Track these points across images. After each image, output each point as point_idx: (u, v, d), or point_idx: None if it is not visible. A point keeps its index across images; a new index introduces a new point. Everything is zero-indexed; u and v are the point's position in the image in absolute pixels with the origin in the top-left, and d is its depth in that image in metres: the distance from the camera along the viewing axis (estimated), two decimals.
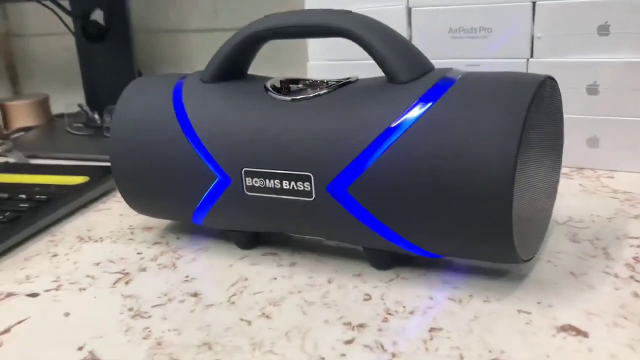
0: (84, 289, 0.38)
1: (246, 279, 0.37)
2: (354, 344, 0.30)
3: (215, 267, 0.39)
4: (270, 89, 0.37)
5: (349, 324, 0.32)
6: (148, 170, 0.39)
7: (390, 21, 0.54)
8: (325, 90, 0.35)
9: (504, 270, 0.36)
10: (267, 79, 0.40)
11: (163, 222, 0.47)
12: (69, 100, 0.82)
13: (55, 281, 0.39)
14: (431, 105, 0.31)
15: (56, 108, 0.86)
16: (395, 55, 0.34)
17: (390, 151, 0.31)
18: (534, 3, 0.50)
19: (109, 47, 0.76)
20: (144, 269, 0.40)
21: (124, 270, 0.40)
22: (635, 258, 0.36)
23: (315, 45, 0.60)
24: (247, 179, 0.36)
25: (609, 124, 0.50)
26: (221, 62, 0.38)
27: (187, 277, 0.38)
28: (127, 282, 0.38)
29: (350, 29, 0.34)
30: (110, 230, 0.47)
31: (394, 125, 0.32)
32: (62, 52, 0.92)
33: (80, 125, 0.76)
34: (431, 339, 0.30)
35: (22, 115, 0.84)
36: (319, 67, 0.60)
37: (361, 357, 0.29)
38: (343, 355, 0.29)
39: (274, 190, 0.35)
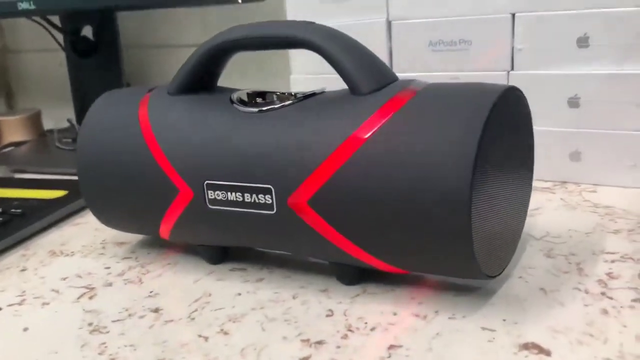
0: (47, 304, 0.37)
1: (210, 295, 0.37)
2: None
3: (180, 283, 0.38)
4: (236, 101, 0.37)
5: (307, 340, 0.31)
6: (114, 183, 0.39)
7: (371, 34, 0.55)
8: (289, 102, 0.35)
9: (474, 287, 0.35)
10: (235, 91, 0.39)
11: (136, 237, 0.47)
12: (60, 115, 0.82)
13: (20, 296, 0.39)
14: (390, 117, 0.31)
15: (49, 123, 0.87)
16: (356, 66, 0.33)
17: (349, 163, 0.31)
18: (513, 15, 0.50)
19: (98, 63, 0.76)
20: (109, 284, 0.39)
21: (89, 285, 0.39)
22: (608, 274, 0.35)
23: (297, 59, 0.60)
24: (209, 192, 0.35)
25: (592, 137, 0.49)
26: (186, 74, 0.38)
27: (151, 292, 0.38)
28: (90, 297, 0.38)
29: (312, 40, 0.34)
30: (82, 244, 0.46)
31: (352, 136, 0.31)
32: (57, 67, 0.92)
33: (69, 140, 0.76)
34: (389, 356, 0.29)
35: (14, 130, 0.84)
36: (301, 80, 0.60)
37: None
38: None
39: (236, 203, 0.34)
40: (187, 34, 0.79)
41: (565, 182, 0.52)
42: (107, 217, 0.41)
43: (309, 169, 0.32)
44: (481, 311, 0.32)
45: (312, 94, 0.36)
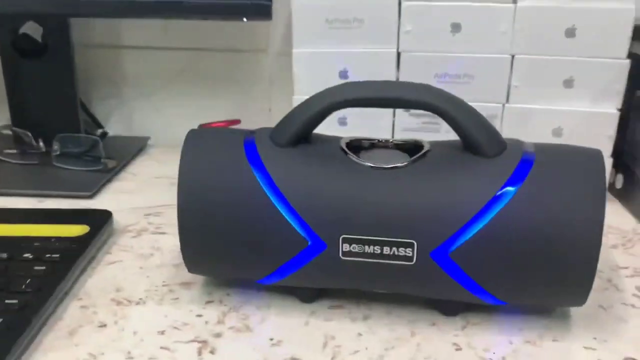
0: None
1: (333, 337, 0.39)
2: None
3: (293, 327, 0.40)
4: (352, 154, 0.39)
5: None
6: (223, 231, 0.38)
7: (380, 63, 0.59)
8: (411, 160, 0.38)
9: (549, 310, 0.42)
10: (336, 140, 0.41)
11: (198, 277, 0.46)
12: None
13: (130, 358, 0.37)
14: (522, 182, 0.36)
15: None
16: (480, 132, 0.38)
17: (491, 223, 0.35)
18: (513, 56, 0.57)
19: (44, 65, 0.68)
20: (218, 335, 0.39)
21: (197, 337, 0.39)
22: (637, 287, 0.45)
23: (301, 81, 0.61)
24: (344, 245, 0.37)
25: None
26: (302, 127, 0.39)
27: (271, 340, 0.39)
28: (211, 352, 0.37)
29: (437, 104, 0.38)
30: (143, 289, 0.44)
31: (492, 199, 0.36)
32: None
33: (14, 152, 0.68)
34: None
35: None
36: None
37: None
38: None
39: (372, 255, 0.37)
40: (146, 35, 0.74)
41: None
42: (202, 263, 0.41)
43: (454, 227, 0.36)
44: (572, 332, 0.40)
45: (427, 150, 0.39)
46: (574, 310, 0.42)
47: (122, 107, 0.78)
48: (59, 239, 0.47)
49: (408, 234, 0.36)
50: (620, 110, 0.57)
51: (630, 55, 0.55)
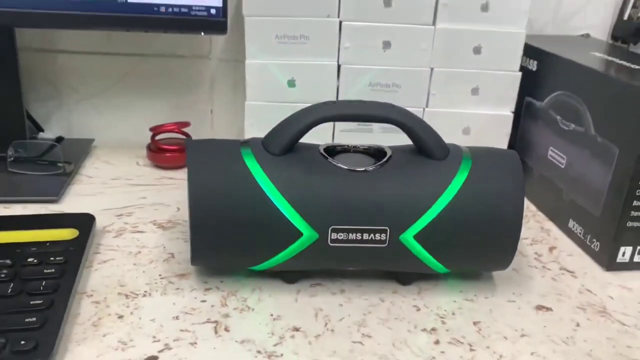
0: (194, 344, 0.43)
1: (321, 309, 0.48)
2: (440, 344, 0.45)
3: (286, 304, 0.48)
4: (331, 158, 0.48)
5: (425, 330, 0.46)
6: (230, 229, 0.46)
7: (324, 74, 0.68)
8: (379, 163, 0.48)
9: (477, 275, 0.54)
10: (315, 147, 0.49)
11: (190, 268, 0.52)
12: None
13: (157, 341, 0.43)
14: (465, 178, 0.47)
15: None
16: (432, 141, 0.48)
17: (444, 210, 0.46)
18: (432, 69, 0.69)
19: None
20: (226, 315, 0.46)
21: (209, 319, 0.46)
22: (535, 252, 0.59)
23: (254, 86, 0.68)
24: (332, 234, 0.46)
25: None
26: (293, 139, 0.47)
27: (272, 315, 0.47)
28: (226, 329, 0.45)
29: (401, 120, 0.47)
30: (144, 282, 0.50)
31: (444, 192, 0.46)
32: None
33: None
34: (480, 330, 0.47)
35: None
36: (256, 107, 0.69)
37: (452, 351, 0.44)
38: (442, 352, 0.44)
39: (355, 240, 0.46)
40: (89, 41, 0.76)
41: None
42: (209, 258, 0.48)
43: (418, 215, 0.46)
44: (498, 289, 0.52)
45: (390, 156, 0.49)
46: (496, 274, 0.55)
47: (61, 109, 0.79)
48: (53, 243, 0.51)
49: (382, 222, 0.46)
50: (514, 112, 0.71)
51: (521, 68, 0.69)
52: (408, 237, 0.47)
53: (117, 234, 0.58)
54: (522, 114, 0.73)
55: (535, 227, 0.65)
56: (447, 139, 0.72)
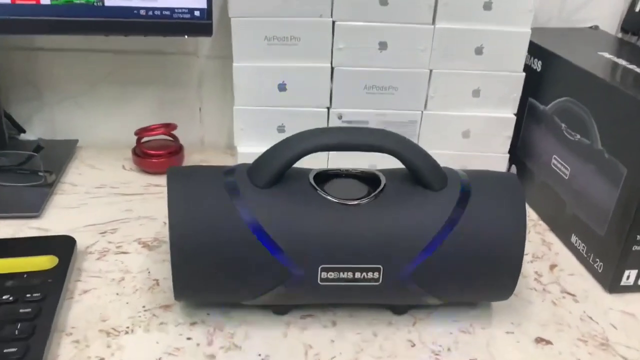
0: None
1: (311, 347, 0.46)
2: None
3: (274, 341, 0.46)
4: (321, 190, 0.45)
5: None
6: (213, 267, 0.43)
7: (317, 77, 0.64)
8: (373, 195, 0.45)
9: (481, 304, 0.52)
10: (304, 174, 0.46)
11: (173, 300, 0.50)
12: None
13: None
14: (464, 211, 0.44)
15: None
16: (429, 171, 0.45)
17: (442, 246, 0.44)
18: (430, 71, 0.65)
19: None
20: (212, 356, 0.45)
21: None
22: (536, 272, 0.57)
23: (241, 90, 0.65)
24: (322, 273, 0.44)
25: (476, 157, 0.70)
26: (278, 172, 0.44)
27: (260, 355, 0.45)
28: None
29: (398, 150, 0.44)
30: (127, 316, 0.48)
31: (444, 226, 0.44)
32: None
33: None
34: None
35: None
36: (245, 112, 0.66)
37: None
38: None
39: (346, 279, 0.44)
40: (71, 38, 0.72)
41: None
42: (190, 294, 0.45)
43: (414, 253, 0.44)
44: (494, 319, 0.50)
45: (384, 187, 0.46)
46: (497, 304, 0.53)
47: (43, 109, 0.76)
48: (31, 274, 0.49)
49: (375, 261, 0.44)
50: (516, 114, 0.68)
51: (525, 67, 0.66)
52: (403, 275, 0.44)
53: (100, 255, 0.55)
54: (525, 116, 0.69)
55: (536, 239, 0.62)
56: (446, 142, 0.70)
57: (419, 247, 0.44)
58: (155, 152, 0.70)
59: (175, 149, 0.71)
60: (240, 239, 0.43)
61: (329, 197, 0.45)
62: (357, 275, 0.44)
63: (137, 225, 0.60)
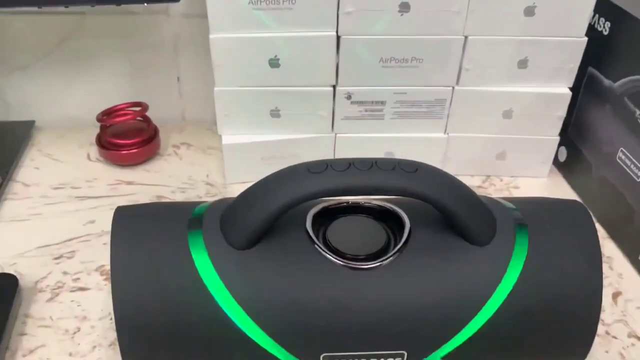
0: None
1: None
2: None
3: None
4: (322, 244, 0.33)
5: None
6: (178, 354, 0.32)
7: (318, 49, 0.50)
8: (395, 251, 0.33)
9: None
10: (300, 219, 0.34)
11: None
12: None
13: None
14: (523, 266, 0.32)
15: None
16: (472, 218, 0.33)
17: (493, 319, 0.32)
18: (466, 37, 0.50)
19: None
20: None
21: None
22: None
23: (222, 71, 0.51)
24: None
25: (516, 141, 0.56)
26: (262, 228, 0.32)
27: None
28: None
29: (427, 194, 0.31)
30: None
31: (494, 294, 0.32)
32: None
33: None
34: None
35: None
36: (227, 93, 0.52)
37: None
38: None
39: None
40: None
41: (489, 176, 0.59)
42: None
43: (449, 335, 0.32)
44: None
45: (408, 237, 0.33)
46: None
47: None
48: None
49: (397, 345, 0.32)
50: (571, 88, 0.54)
51: (588, 30, 0.51)
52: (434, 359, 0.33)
53: (52, 294, 0.45)
54: (582, 89, 0.55)
55: None
56: (482, 125, 0.56)
57: (460, 326, 0.32)
58: (124, 141, 0.57)
59: (149, 134, 0.59)
60: (208, 318, 0.31)
61: (331, 257, 0.32)
62: None
63: (100, 244, 0.49)
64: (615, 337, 0.43)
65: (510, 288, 0.32)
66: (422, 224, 0.34)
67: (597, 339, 0.42)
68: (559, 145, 0.58)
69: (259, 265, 0.32)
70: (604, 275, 0.47)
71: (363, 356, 0.32)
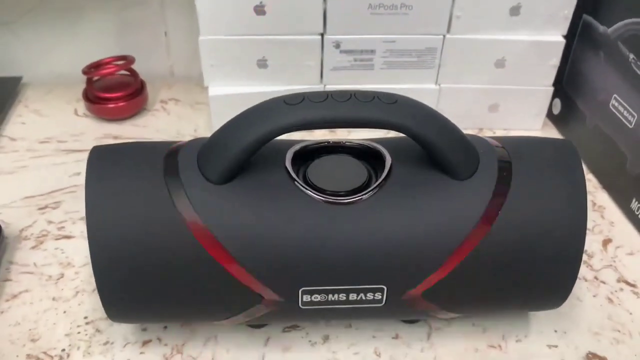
0: None
1: None
2: None
3: None
4: (301, 181, 0.32)
5: None
6: (156, 288, 0.32)
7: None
8: (375, 186, 0.32)
9: None
10: (279, 155, 0.33)
11: None
12: None
13: None
14: (504, 202, 0.32)
15: None
16: (454, 153, 0.32)
17: (473, 254, 0.31)
18: None
19: None
20: None
21: None
22: (585, 251, 0.45)
23: (206, 20, 0.50)
24: (304, 296, 0.32)
25: (509, 92, 0.55)
26: (239, 161, 0.31)
27: None
28: None
29: (408, 126, 0.31)
30: (64, 332, 0.38)
31: (475, 228, 0.31)
32: None
33: None
34: None
35: None
36: (212, 42, 0.51)
37: None
38: None
39: (337, 302, 0.32)
40: None
41: (482, 129, 0.58)
42: (129, 318, 0.34)
43: (430, 268, 0.31)
44: (533, 327, 0.39)
45: (389, 172, 0.33)
46: None
47: None
48: None
49: (377, 280, 0.32)
50: (565, 37, 0.53)
51: None
52: (415, 295, 0.33)
53: (36, 242, 0.44)
54: (577, 38, 0.54)
55: None
56: (474, 74, 0.55)
57: (440, 260, 0.31)
58: (111, 94, 0.56)
59: (136, 88, 0.58)
60: (185, 253, 0.31)
61: (311, 192, 0.32)
62: (352, 297, 0.32)
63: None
64: (603, 282, 0.42)
65: (491, 224, 0.31)
66: (403, 161, 0.34)
67: (585, 284, 0.42)
68: (553, 97, 0.57)
69: (237, 199, 0.31)
70: (595, 224, 0.47)
71: (342, 290, 0.32)
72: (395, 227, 0.31)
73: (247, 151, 0.31)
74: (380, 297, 0.32)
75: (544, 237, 0.32)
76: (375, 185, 0.32)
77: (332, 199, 0.32)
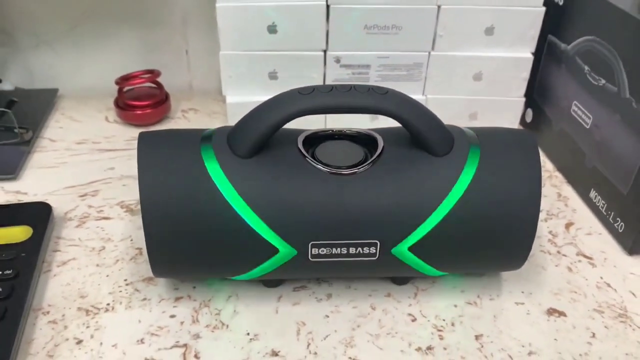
0: None
1: (304, 324, 0.43)
2: None
3: (265, 317, 0.43)
4: (311, 157, 0.40)
5: (420, 349, 0.41)
6: (192, 245, 0.39)
7: (310, 16, 0.57)
8: (370, 161, 0.40)
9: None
10: (292, 138, 0.41)
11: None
12: None
13: None
14: (473, 174, 0.39)
15: None
16: (432, 133, 0.40)
17: (445, 218, 0.39)
18: (439, 7, 0.58)
19: None
20: (197, 336, 0.41)
21: (178, 342, 0.41)
22: (550, 231, 0.52)
23: (227, 37, 0.58)
24: (313, 249, 0.39)
25: (487, 102, 0.64)
26: (259, 140, 0.39)
27: (248, 334, 0.42)
28: (196, 356, 0.40)
29: (393, 110, 0.39)
30: (107, 291, 0.45)
31: (449, 195, 0.39)
32: None
33: None
34: (482, 346, 0.42)
35: None
36: (231, 56, 0.59)
37: None
38: None
39: (339, 255, 0.40)
40: None
41: None
42: (171, 271, 0.42)
43: (414, 226, 0.39)
44: (504, 288, 0.46)
45: (382, 152, 0.41)
46: None
47: (18, 56, 0.70)
48: (2, 248, 0.45)
49: (371, 235, 0.39)
50: (533, 54, 0.61)
51: (545, 1, 0.58)
52: (402, 250, 0.40)
53: (79, 222, 0.52)
54: (544, 55, 0.62)
55: (552, 193, 0.57)
56: (456, 86, 0.64)
57: (421, 219, 0.39)
58: (139, 102, 0.65)
59: (161, 98, 0.66)
60: (220, 214, 0.38)
61: (319, 166, 0.40)
62: (352, 250, 0.40)
63: (119, 186, 0.56)
64: (565, 255, 0.50)
65: (463, 191, 0.39)
66: (393, 144, 0.42)
67: (549, 257, 0.49)
68: (526, 107, 0.65)
69: (260, 170, 0.39)
70: (560, 211, 0.55)
71: (344, 244, 0.40)
72: (386, 193, 0.39)
73: (269, 130, 0.39)
74: (374, 251, 0.40)
75: (507, 202, 0.40)
76: (369, 162, 0.40)
77: (335, 171, 0.39)
